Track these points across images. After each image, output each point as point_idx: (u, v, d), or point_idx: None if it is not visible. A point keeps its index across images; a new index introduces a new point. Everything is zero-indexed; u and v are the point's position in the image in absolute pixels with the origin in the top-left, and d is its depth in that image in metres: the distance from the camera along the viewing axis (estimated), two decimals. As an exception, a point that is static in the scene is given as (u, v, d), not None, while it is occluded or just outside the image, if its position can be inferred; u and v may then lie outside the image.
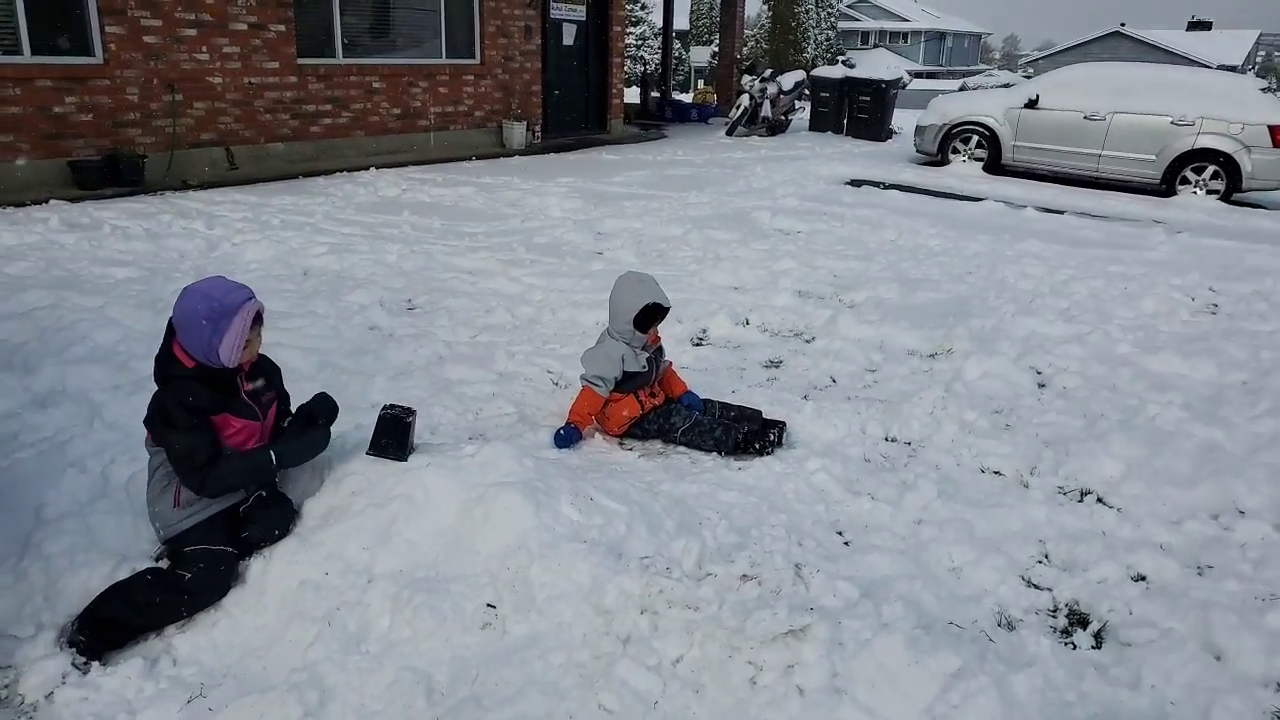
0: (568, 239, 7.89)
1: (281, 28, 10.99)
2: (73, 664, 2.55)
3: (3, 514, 3.16)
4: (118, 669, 2.55)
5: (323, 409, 3.21)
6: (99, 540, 3.04)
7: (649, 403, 4.04)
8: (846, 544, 3.22)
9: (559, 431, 3.93)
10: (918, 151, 13.61)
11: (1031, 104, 12.24)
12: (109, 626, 2.66)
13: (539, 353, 5.06)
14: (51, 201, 8.44)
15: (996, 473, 3.81)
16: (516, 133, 13.97)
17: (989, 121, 12.65)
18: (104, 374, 4.35)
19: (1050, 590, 3.00)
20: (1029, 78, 22.92)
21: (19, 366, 4.34)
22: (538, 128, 14.73)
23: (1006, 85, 19.98)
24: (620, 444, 4.02)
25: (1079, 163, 12.01)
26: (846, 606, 2.70)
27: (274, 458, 2.97)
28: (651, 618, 2.64)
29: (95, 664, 2.57)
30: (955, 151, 13.04)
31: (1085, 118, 11.81)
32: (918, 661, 2.42)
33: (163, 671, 2.58)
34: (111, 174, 9.37)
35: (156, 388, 2.93)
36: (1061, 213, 9.85)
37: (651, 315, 3.95)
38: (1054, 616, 2.88)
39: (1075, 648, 2.73)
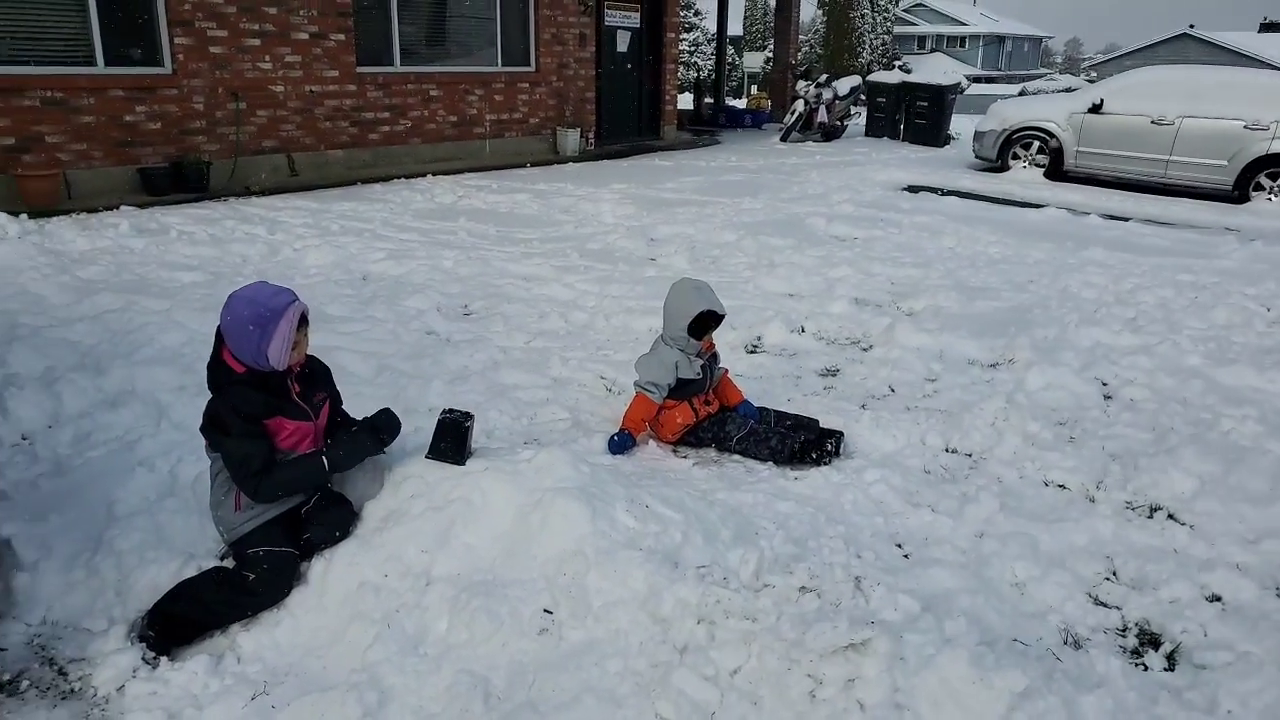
0: (621, 245, 7.91)
1: (341, 37, 11.19)
2: (143, 659, 2.62)
3: (77, 511, 3.26)
4: (185, 665, 2.61)
5: (386, 425, 3.19)
6: (167, 538, 3.11)
7: (703, 410, 4.02)
8: (906, 557, 3.17)
9: (613, 437, 3.93)
10: (976, 157, 13.39)
11: (1095, 108, 11.97)
12: (177, 623, 2.72)
13: (592, 358, 5.07)
14: (122, 207, 8.68)
15: (1061, 486, 3.72)
16: (570, 139, 14.04)
17: (1051, 127, 12.38)
18: (170, 375, 4.46)
19: (1119, 609, 2.92)
20: (1092, 82, 22.47)
21: (91, 368, 4.47)
22: (591, 134, 14.79)
23: (1069, 89, 19.60)
24: (674, 451, 4.01)
25: (1145, 168, 11.71)
26: (908, 621, 2.66)
27: (326, 463, 3.01)
28: (709, 627, 2.62)
29: (164, 659, 2.64)
30: (1015, 157, 12.80)
31: (1152, 122, 11.51)
32: (982, 679, 2.37)
33: (228, 668, 2.63)
34: (178, 180, 9.62)
35: (211, 395, 2.98)
36: (1127, 220, 9.62)
37: (706, 322, 3.93)
38: (1123, 636, 2.81)
39: (1147, 669, 2.65)
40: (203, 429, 2.93)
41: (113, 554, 3.01)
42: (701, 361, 3.99)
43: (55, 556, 3.01)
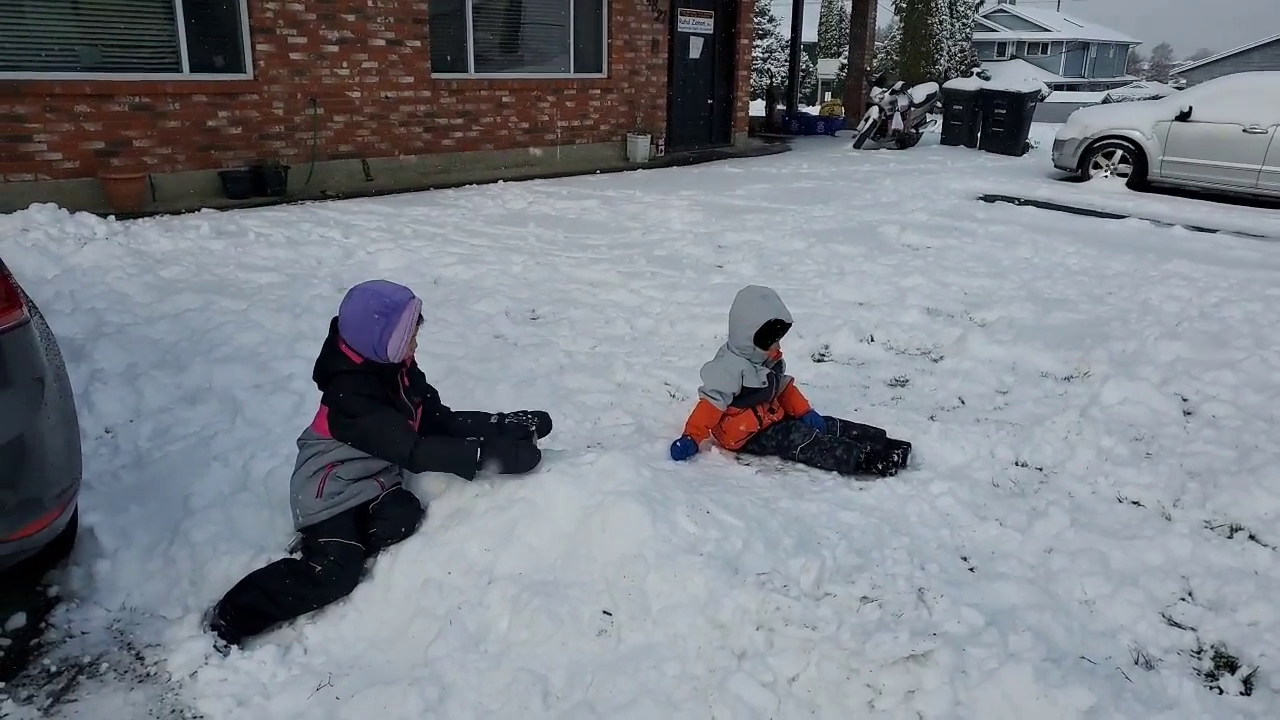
0: (688, 252, 7.91)
1: (417, 43, 11.42)
2: (214, 646, 2.70)
3: (155, 502, 3.38)
4: (254, 654, 2.68)
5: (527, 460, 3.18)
6: (239, 531, 3.20)
7: (768, 418, 3.99)
8: (972, 570, 3.11)
9: (676, 443, 3.93)
10: (1056, 166, 13.07)
11: (1183, 116, 11.58)
12: (246, 613, 2.79)
13: (657, 364, 5.08)
14: (203, 209, 9.00)
15: (1135, 503, 3.61)
16: (640, 146, 14.10)
17: (1135, 135, 12.02)
18: (246, 373, 4.60)
19: (1194, 630, 2.82)
20: (1181, 89, 21.73)
21: (171, 365, 4.63)
22: (661, 141, 14.84)
23: (1155, 97, 18.99)
24: (737, 459, 4.00)
25: (1235, 179, 11.28)
26: (971, 634, 2.60)
27: (479, 454, 3.05)
28: (768, 634, 2.60)
29: (234, 648, 2.71)
30: (1097, 166, 12.45)
31: (1244, 130, 11.08)
32: (1047, 695, 2.31)
33: (294, 659, 2.70)
34: (257, 184, 9.92)
35: (319, 387, 3.09)
36: (1214, 231, 9.28)
37: (773, 331, 3.91)
38: (1198, 658, 2.71)
39: (1221, 692, 2.56)
40: (330, 420, 3.01)
41: (188, 545, 3.11)
42: (768, 370, 3.96)
43: (134, 546, 3.13)
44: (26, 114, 8.65)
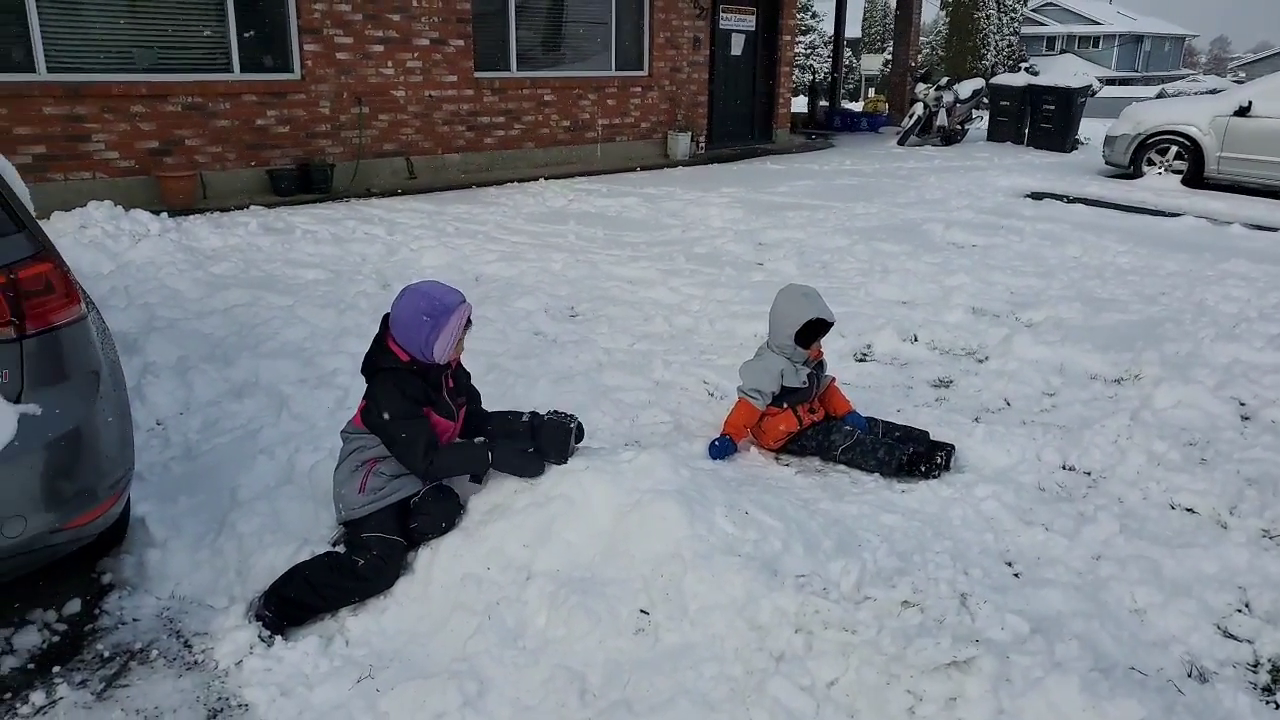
0: (728, 249, 7.88)
1: (460, 43, 11.51)
2: (259, 636, 2.75)
3: (204, 494, 3.45)
4: (297, 644, 2.72)
5: (556, 448, 3.22)
6: (284, 523, 3.25)
7: (808, 419, 3.96)
8: (1016, 576, 3.05)
9: (714, 442, 3.91)
10: (1107, 163, 12.79)
11: (1242, 111, 11.26)
12: (290, 605, 2.84)
13: (696, 363, 5.06)
14: (251, 206, 9.15)
15: (1189, 510, 3.52)
16: (681, 143, 14.07)
17: (1191, 131, 11.71)
18: (292, 368, 4.67)
19: (1250, 643, 2.74)
20: (1240, 83, 21.18)
21: (220, 359, 4.72)
22: (702, 138, 14.79)
23: (1213, 91, 18.51)
24: (776, 459, 3.97)
25: (1297, 175, 10.96)
26: (1015, 641, 2.56)
27: (490, 456, 3.13)
28: (806, 637, 2.58)
29: (278, 638, 2.76)
30: (1150, 163, 12.15)
31: (1305, 126, 10.77)
32: (1095, 706, 2.26)
33: (336, 650, 2.73)
34: (304, 181, 10.07)
35: (365, 380, 3.13)
36: (1274, 230, 9.01)
37: (814, 330, 3.87)
38: (1254, 671, 2.63)
39: (1278, 707, 2.48)
40: (365, 412, 3.06)
41: (235, 536, 3.17)
42: (808, 370, 3.93)
43: (183, 536, 3.19)
44: (86, 114, 8.86)
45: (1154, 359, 4.93)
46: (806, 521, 3.12)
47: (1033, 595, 2.89)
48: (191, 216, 8.50)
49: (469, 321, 3.16)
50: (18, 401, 2.39)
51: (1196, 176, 11.71)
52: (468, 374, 3.43)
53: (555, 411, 3.39)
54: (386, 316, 3.11)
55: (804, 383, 3.90)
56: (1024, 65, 21.57)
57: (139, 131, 9.21)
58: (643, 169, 13.06)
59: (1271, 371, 4.72)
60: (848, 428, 3.93)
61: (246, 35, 9.84)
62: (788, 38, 16.35)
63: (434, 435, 3.09)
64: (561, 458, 3.21)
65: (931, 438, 3.95)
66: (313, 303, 5.81)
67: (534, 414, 3.44)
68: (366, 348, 3.18)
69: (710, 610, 2.69)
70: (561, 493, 3.07)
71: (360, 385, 3.24)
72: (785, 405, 3.93)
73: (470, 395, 3.42)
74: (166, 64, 9.43)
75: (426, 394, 3.09)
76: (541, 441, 3.23)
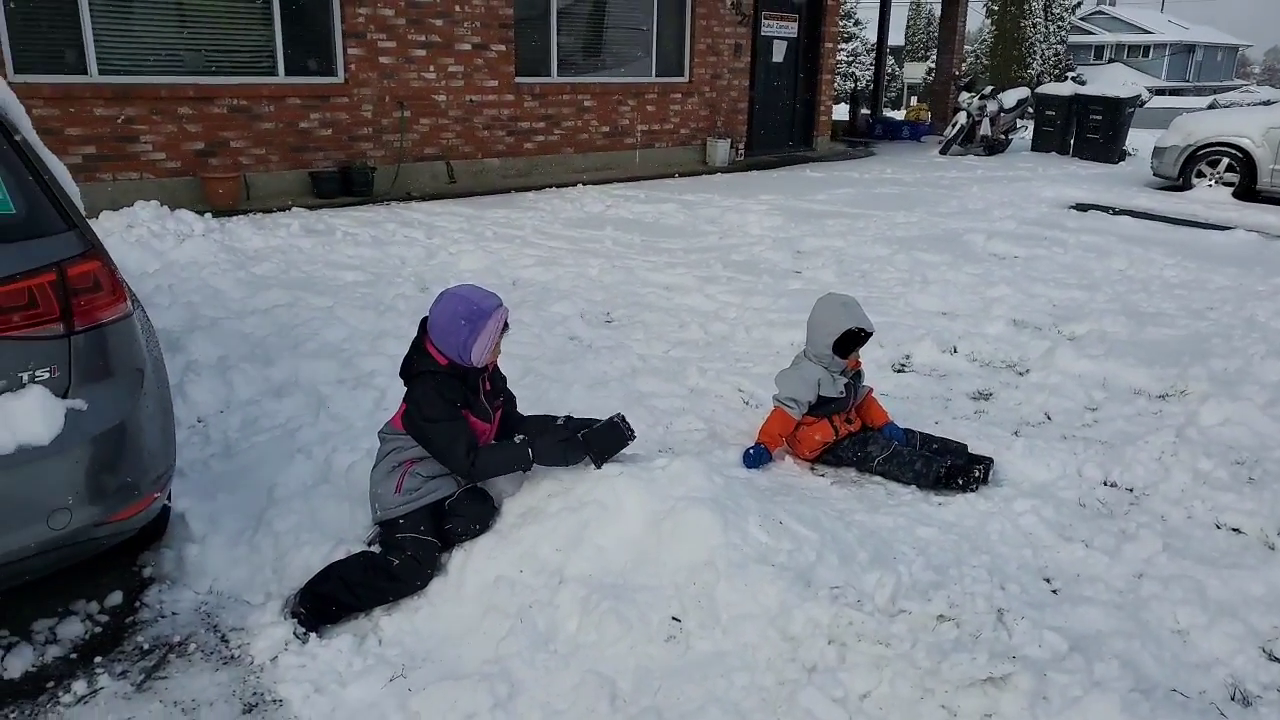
0: (765, 257, 7.85)
1: (502, 48, 11.59)
2: (294, 633, 2.78)
3: (242, 491, 3.49)
4: (331, 642, 2.75)
5: (604, 446, 3.26)
6: (320, 522, 3.29)
7: (844, 429, 3.93)
8: (1055, 592, 3.00)
9: (748, 451, 3.89)
10: (1155, 175, 12.55)
11: (1297, 123, 11.03)
12: (325, 603, 2.87)
13: (731, 370, 5.04)
14: (293, 208, 9.28)
15: (1235, 530, 3.43)
16: (720, 150, 14.05)
17: (1244, 142, 11.46)
18: (331, 369, 4.72)
19: (1297, 667, 2.67)
20: (1291, 94, 20.73)
21: (260, 358, 4.78)
22: (741, 145, 14.76)
23: (1267, 102, 18.15)
24: (812, 469, 3.94)
25: (1352, 189, 10.70)
26: (1054, 659, 2.51)
27: (530, 454, 3.16)
28: (839, 649, 2.56)
29: (313, 635, 2.78)
30: (1200, 175, 11.92)
31: (1361, 138, 10.51)
32: (1134, 728, 2.22)
33: (370, 649, 2.75)
34: (345, 184, 10.20)
35: (404, 383, 3.16)
36: (1328, 244, 8.80)
37: (852, 340, 3.84)
38: (1301, 697, 2.56)
39: (1324, 734, 2.42)
40: (406, 416, 3.09)
41: (271, 534, 3.21)
42: (845, 380, 3.90)
43: (222, 532, 3.24)
44: (135, 116, 9.05)
45: (1201, 375, 4.83)
46: (842, 533, 3.09)
47: (1071, 613, 2.83)
48: (235, 217, 8.63)
49: (506, 325, 3.18)
50: (65, 396, 2.44)
51: (1249, 189, 11.47)
52: (504, 377, 3.45)
53: (590, 420, 3.40)
54: (424, 320, 3.14)
55: (841, 393, 3.87)
56: (1071, 75, 21.32)
57: (185, 133, 9.38)
58: (681, 175, 13.05)
59: (1324, 390, 4.60)
60: (885, 439, 3.90)
61: (292, 39, 9.98)
62: (830, 45, 16.28)
63: (474, 436, 3.11)
64: (601, 460, 3.22)
65: (970, 451, 3.90)
66: (352, 304, 5.87)
67: (569, 418, 3.46)
68: (404, 350, 3.22)
69: (742, 619, 2.67)
70: (595, 498, 3.07)
71: (398, 387, 3.27)
72: (821, 415, 3.90)
73: (506, 397, 3.44)
74: (213, 67, 9.60)
75: (465, 396, 3.12)
76: (592, 437, 3.25)
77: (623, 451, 3.39)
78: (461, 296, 3.09)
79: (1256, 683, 2.59)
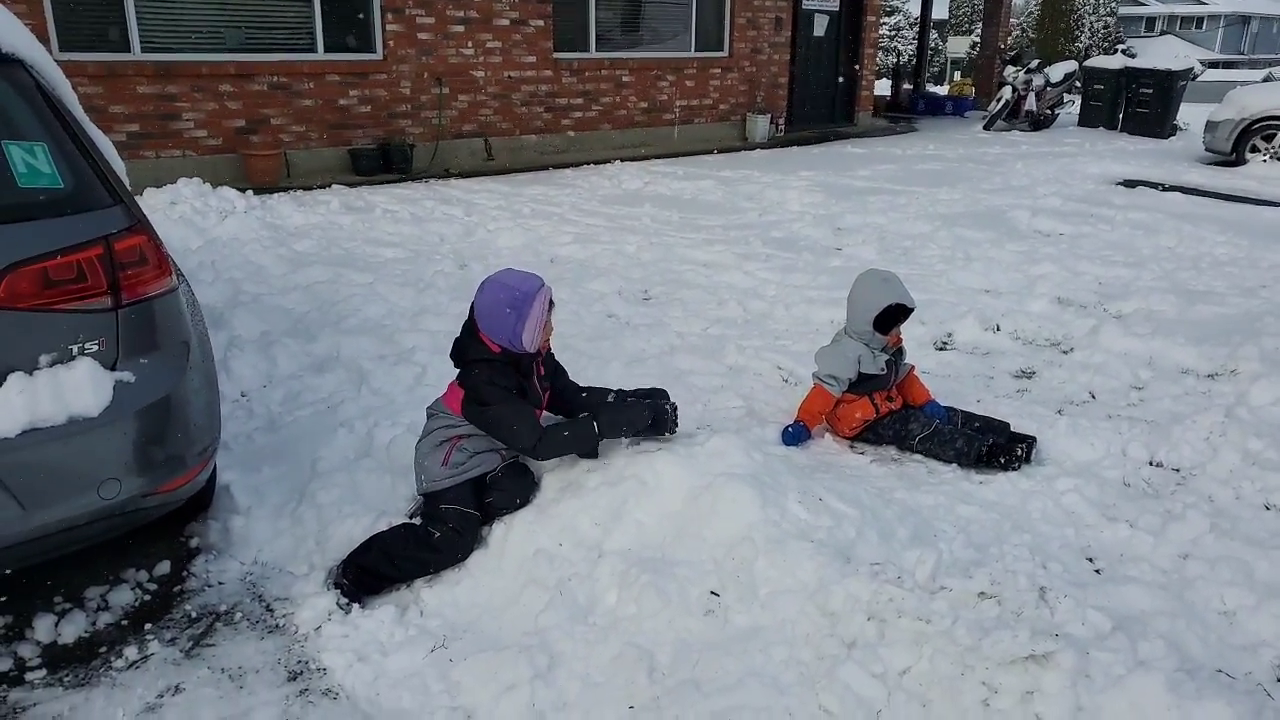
0: (805, 234, 7.78)
1: (540, 23, 11.55)
2: (337, 604, 2.82)
3: (286, 464, 3.55)
4: (374, 613, 2.79)
5: (662, 419, 3.33)
6: (362, 495, 3.34)
7: (885, 407, 3.89)
8: (1098, 572, 2.96)
9: (787, 428, 3.87)
10: (1207, 150, 12.25)
11: (1355, 95, 10.69)
12: (367, 574, 2.91)
13: (769, 348, 5.01)
14: (333, 186, 9.36)
15: (1285, 511, 3.36)
16: (759, 126, 13.93)
17: (1300, 116, 11.16)
18: (372, 345, 4.77)
19: (1349, 650, 2.61)
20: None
21: (302, 334, 4.84)
22: (781, 120, 14.62)
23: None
24: (851, 447, 3.91)
25: None
26: (1096, 638, 2.48)
27: (596, 429, 3.17)
28: (879, 625, 2.55)
29: (355, 606, 2.83)
30: (1254, 150, 11.61)
31: None
32: (1179, 707, 2.18)
33: (411, 620, 2.79)
34: (384, 161, 10.27)
35: (455, 367, 3.18)
36: (1384, 221, 8.55)
37: (894, 316, 3.80)
38: (1351, 680, 2.51)
39: (1374, 716, 2.36)
40: (464, 404, 3.10)
41: (314, 506, 3.26)
42: (886, 357, 3.86)
43: (266, 504, 3.30)
44: (177, 94, 9.17)
45: (1252, 354, 4.71)
46: (881, 510, 3.07)
47: (1114, 592, 2.79)
48: (276, 194, 8.73)
49: (551, 303, 3.18)
50: (113, 369, 2.49)
51: (1305, 164, 11.15)
52: (553, 354, 3.45)
53: (639, 389, 3.41)
54: (473, 307, 3.14)
55: (882, 370, 3.83)
56: (1121, 47, 20.78)
57: (226, 110, 9.49)
58: (720, 151, 12.96)
59: (1381, 369, 4.47)
60: (926, 417, 3.85)
61: (330, 15, 10.04)
62: (872, 19, 16.05)
63: (536, 417, 3.13)
64: (669, 428, 3.31)
65: (1012, 430, 3.85)
66: (392, 281, 5.91)
67: (620, 392, 3.46)
68: (443, 326, 3.24)
69: (781, 595, 2.67)
70: (634, 473, 3.08)
71: (439, 363, 3.29)
72: (862, 393, 3.86)
73: (557, 372, 3.45)
74: (253, 44, 9.69)
75: (519, 383, 3.13)
76: (658, 411, 3.31)
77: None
78: (503, 284, 3.08)
79: (1306, 665, 2.54)
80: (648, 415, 3.26)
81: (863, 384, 3.84)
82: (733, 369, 4.74)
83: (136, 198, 2.75)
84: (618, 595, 2.74)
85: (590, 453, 3.24)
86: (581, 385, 3.56)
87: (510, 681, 2.49)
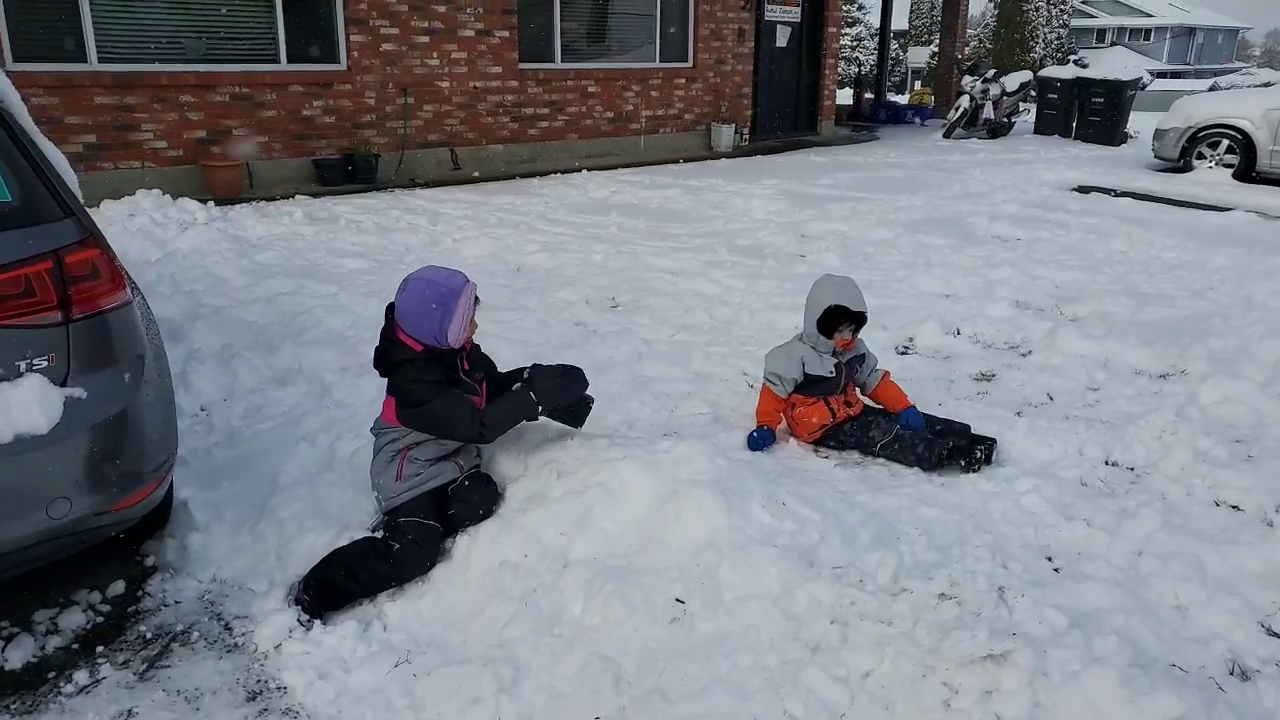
0: (770, 241, 7.83)
1: (505, 33, 11.55)
2: (298, 620, 2.78)
3: (246, 479, 3.50)
4: (336, 629, 2.75)
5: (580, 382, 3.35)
6: (324, 509, 3.30)
7: (843, 412, 3.92)
8: (1056, 570, 3.01)
9: (753, 434, 3.90)
10: (1156, 157, 12.53)
11: (1297, 104, 11.00)
12: (329, 589, 2.87)
13: (736, 354, 5.04)
14: (297, 196, 9.28)
15: (1234, 507, 3.43)
16: (724, 135, 14.01)
17: (1244, 124, 11.43)
18: (334, 356, 4.73)
19: (1296, 642, 2.68)
20: (1294, 75, 20.62)
21: (263, 346, 4.79)
22: (746, 130, 14.72)
23: (1266, 84, 18.07)
24: (816, 451, 3.94)
25: (1353, 169, 10.67)
26: (1053, 635, 2.52)
27: (534, 396, 3.16)
28: (842, 628, 2.57)
29: (317, 622, 2.78)
30: (1200, 157, 11.91)
31: (1363, 118, 10.47)
32: (1133, 702, 2.22)
33: (374, 635, 2.76)
34: (348, 172, 10.19)
35: (381, 376, 3.15)
36: (1328, 225, 8.77)
37: (838, 319, 3.81)
38: (1300, 671, 2.57)
39: (1323, 708, 2.42)
40: (397, 409, 3.07)
41: (275, 521, 3.22)
42: (835, 360, 3.88)
43: (225, 520, 3.25)
44: (136, 105, 9.04)
45: (1200, 354, 4.82)
46: (844, 513, 3.10)
47: (1072, 590, 2.84)
48: (237, 206, 8.62)
49: (477, 299, 3.15)
50: (64, 385, 2.43)
51: (1248, 171, 11.46)
52: (478, 346, 3.40)
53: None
54: (390, 308, 3.10)
55: (830, 373, 3.86)
56: (1073, 58, 21.18)
57: (187, 121, 9.37)
58: (686, 161, 13.02)
59: (1325, 368, 4.59)
60: (887, 423, 3.88)
61: (294, 26, 9.96)
62: (833, 29, 16.22)
63: (471, 403, 3.11)
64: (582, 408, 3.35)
65: (973, 431, 3.90)
66: (355, 291, 5.87)
67: (535, 365, 3.44)
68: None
69: (746, 600, 2.68)
70: (599, 481, 3.08)
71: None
72: (815, 396, 3.89)
73: (486, 366, 3.42)
74: (215, 54, 9.58)
75: (447, 376, 3.09)
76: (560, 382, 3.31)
77: (625, 434, 3.40)
78: (428, 280, 3.05)
79: (1255, 657, 2.60)
80: (579, 382, 3.29)
81: (812, 386, 3.87)
82: (699, 375, 4.76)
83: (93, 210, 2.71)
84: (583, 605, 2.73)
85: (532, 417, 3.23)
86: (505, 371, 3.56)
87: (475, 695, 2.47)
